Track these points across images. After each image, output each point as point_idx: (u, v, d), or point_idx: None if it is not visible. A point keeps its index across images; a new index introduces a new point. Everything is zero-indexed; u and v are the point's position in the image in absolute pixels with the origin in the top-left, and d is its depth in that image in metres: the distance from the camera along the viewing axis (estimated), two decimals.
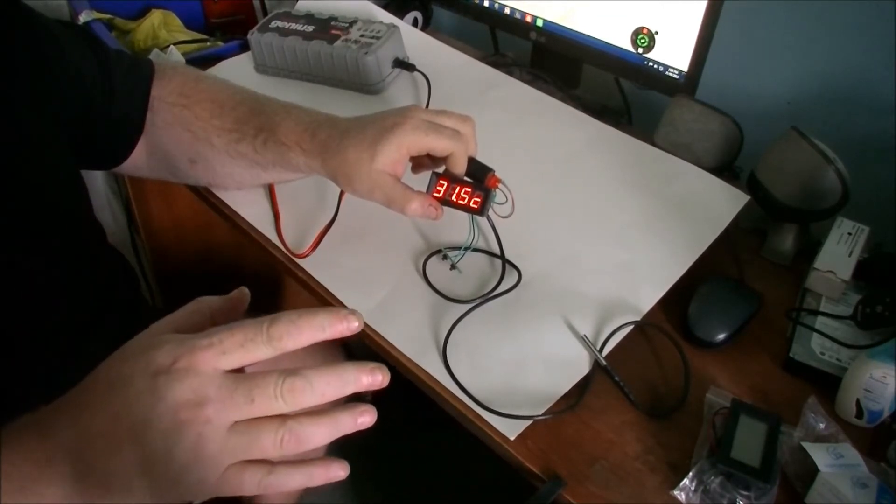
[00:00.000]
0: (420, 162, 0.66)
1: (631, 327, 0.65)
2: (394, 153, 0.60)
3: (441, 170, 0.65)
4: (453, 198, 0.64)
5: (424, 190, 0.64)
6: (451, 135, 0.61)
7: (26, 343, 0.56)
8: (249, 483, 0.37)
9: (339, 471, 0.40)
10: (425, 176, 0.65)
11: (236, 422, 0.36)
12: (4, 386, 0.53)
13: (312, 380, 0.37)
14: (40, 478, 0.37)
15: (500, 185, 0.64)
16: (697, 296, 0.68)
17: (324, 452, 1.04)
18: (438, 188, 0.64)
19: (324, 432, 0.38)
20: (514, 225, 0.67)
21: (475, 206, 0.63)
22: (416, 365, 0.62)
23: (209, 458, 0.36)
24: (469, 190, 0.63)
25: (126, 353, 0.38)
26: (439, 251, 0.71)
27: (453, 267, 0.70)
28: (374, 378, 0.39)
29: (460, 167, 0.63)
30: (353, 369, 0.38)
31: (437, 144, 0.61)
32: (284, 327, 0.37)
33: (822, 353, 0.64)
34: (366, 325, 0.65)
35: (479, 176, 0.64)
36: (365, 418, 0.40)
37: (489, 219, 0.66)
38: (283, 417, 0.37)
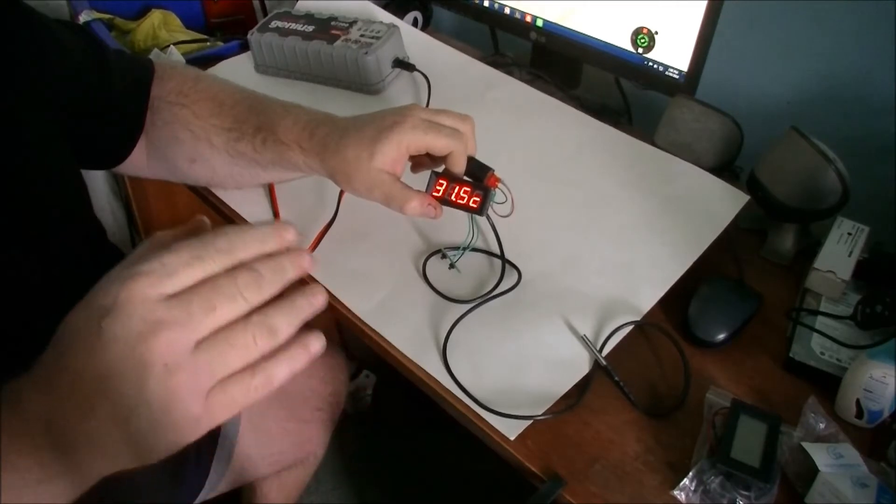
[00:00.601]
0: (419, 161, 0.66)
1: (631, 327, 0.65)
2: (393, 152, 0.60)
3: (440, 169, 0.65)
4: (453, 197, 0.64)
5: (424, 189, 0.64)
6: (451, 133, 0.61)
7: (26, 342, 0.56)
8: (239, 394, 0.35)
9: (315, 342, 0.38)
10: (425, 175, 0.65)
11: (200, 340, 0.34)
12: (3, 382, 0.53)
13: (261, 270, 0.36)
14: (16, 451, 0.35)
15: (499, 185, 0.64)
16: (697, 296, 0.68)
17: (322, 454, 1.03)
18: (438, 187, 0.64)
19: (289, 319, 0.37)
20: (514, 225, 0.67)
21: (474, 206, 0.63)
22: (416, 365, 0.62)
23: (186, 388, 0.33)
24: (468, 189, 0.63)
25: (76, 306, 0.35)
26: (439, 251, 0.71)
27: (452, 266, 0.70)
28: (302, 262, 0.38)
29: (460, 166, 0.63)
30: (289, 256, 0.38)
31: (436, 143, 0.61)
32: (232, 239, 0.36)
33: (822, 353, 0.64)
34: (366, 325, 0.65)
35: (479, 175, 0.64)
36: (318, 298, 0.38)
37: (489, 218, 0.66)
38: (244, 318, 0.35)
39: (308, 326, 0.38)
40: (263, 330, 0.35)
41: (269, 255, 0.37)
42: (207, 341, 0.34)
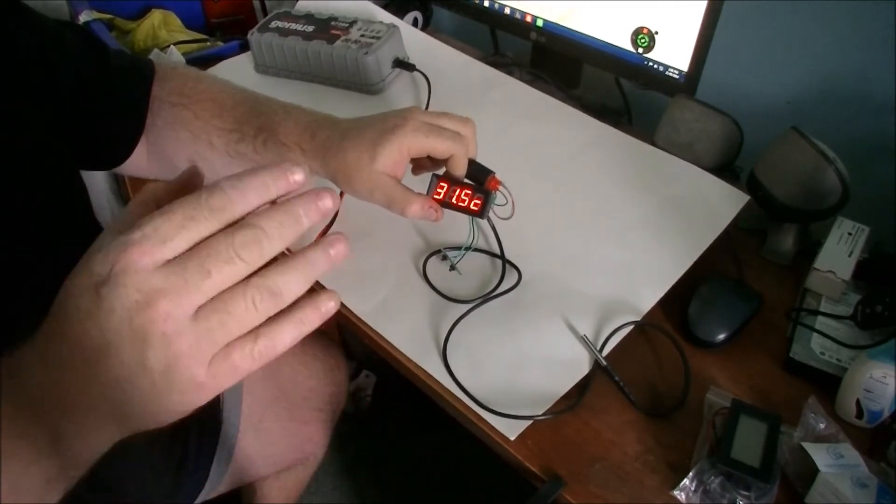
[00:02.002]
0: (420, 164, 0.66)
1: (631, 327, 0.65)
2: (394, 154, 0.60)
3: (441, 172, 0.65)
4: (453, 200, 0.64)
5: (425, 192, 0.64)
6: (452, 137, 0.61)
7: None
8: (241, 361, 0.34)
9: (328, 302, 0.36)
10: (425, 178, 0.65)
11: (199, 307, 0.32)
12: None
13: (262, 225, 0.33)
14: (19, 420, 0.34)
15: (500, 188, 0.64)
16: (697, 296, 0.68)
17: (322, 454, 1.03)
18: (439, 190, 0.64)
19: (297, 277, 0.34)
20: (514, 225, 0.67)
21: (475, 209, 0.63)
22: (416, 365, 0.62)
23: (187, 356, 0.32)
24: (469, 192, 0.63)
25: (74, 271, 0.34)
26: (439, 251, 0.71)
27: (453, 268, 0.70)
28: (323, 203, 0.35)
29: (460, 169, 0.63)
30: (300, 201, 0.34)
31: (437, 146, 0.61)
32: (227, 193, 0.33)
33: (822, 353, 0.64)
34: (366, 325, 0.65)
35: (480, 178, 0.64)
36: (338, 248, 0.36)
37: (489, 220, 0.66)
38: (245, 280, 0.33)
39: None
40: (264, 293, 0.33)
41: (278, 204, 0.34)
42: (205, 308, 0.33)
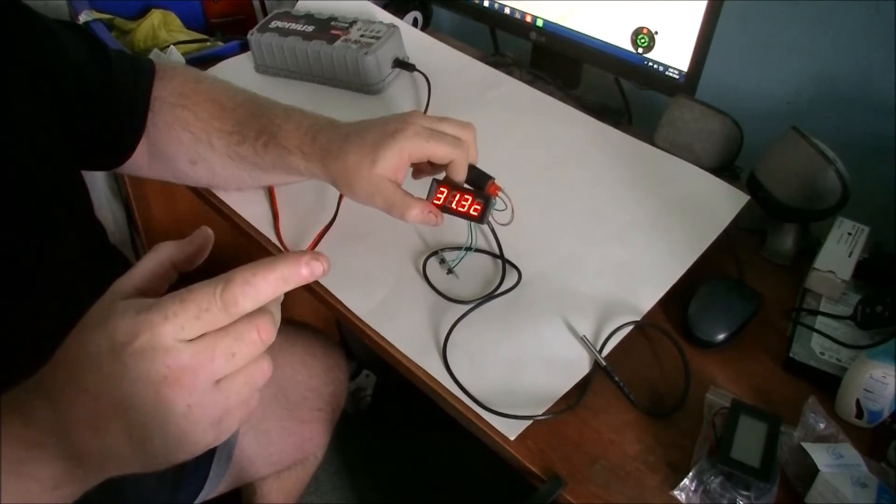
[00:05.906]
0: (420, 168, 0.66)
1: (631, 327, 0.65)
2: (395, 159, 0.60)
3: (441, 177, 0.65)
4: (453, 205, 0.64)
5: (425, 196, 0.64)
6: (452, 142, 0.61)
7: (26, 342, 0.56)
8: (243, 417, 0.38)
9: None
10: (426, 182, 0.65)
11: (219, 379, 0.36)
12: (4, 387, 0.53)
13: (271, 309, 0.37)
14: (32, 461, 0.36)
15: (500, 193, 0.64)
16: (697, 296, 0.68)
17: (322, 454, 1.03)
18: (439, 195, 0.64)
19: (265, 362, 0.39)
20: (514, 225, 0.66)
21: (475, 214, 0.63)
22: (416, 365, 0.62)
23: (205, 421, 0.36)
24: (469, 197, 0.63)
25: (87, 324, 0.37)
26: (438, 252, 0.71)
27: (450, 272, 0.70)
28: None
29: (461, 174, 0.63)
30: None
31: (437, 151, 0.61)
32: (239, 289, 0.35)
33: (822, 353, 0.64)
34: (366, 325, 0.65)
35: (480, 183, 0.64)
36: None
37: (489, 224, 0.66)
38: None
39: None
40: (265, 363, 0.38)
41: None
42: (226, 379, 0.36)
